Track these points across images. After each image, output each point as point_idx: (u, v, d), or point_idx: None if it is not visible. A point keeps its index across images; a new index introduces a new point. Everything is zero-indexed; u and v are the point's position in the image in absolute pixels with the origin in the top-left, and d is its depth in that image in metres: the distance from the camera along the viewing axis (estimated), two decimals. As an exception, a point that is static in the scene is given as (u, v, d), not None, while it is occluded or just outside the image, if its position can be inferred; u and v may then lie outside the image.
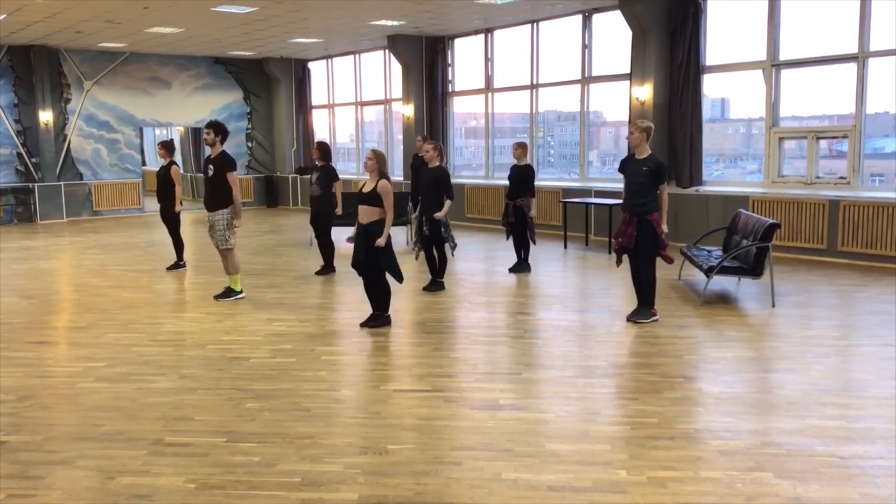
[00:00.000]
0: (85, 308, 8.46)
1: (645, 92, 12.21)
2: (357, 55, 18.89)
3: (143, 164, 20.81)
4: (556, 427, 4.76)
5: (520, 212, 9.76)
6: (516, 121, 16.58)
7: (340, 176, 10.44)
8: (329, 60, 19.95)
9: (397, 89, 17.41)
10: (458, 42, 16.46)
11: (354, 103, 19.47)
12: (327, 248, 10.15)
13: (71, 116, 17.99)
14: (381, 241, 6.94)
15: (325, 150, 10.24)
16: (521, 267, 10.06)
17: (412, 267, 10.19)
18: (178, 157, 20.12)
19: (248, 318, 7.76)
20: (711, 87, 12.54)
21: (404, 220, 12.53)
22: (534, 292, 9.13)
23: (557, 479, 3.99)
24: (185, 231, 11.49)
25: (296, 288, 9.35)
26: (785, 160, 11.56)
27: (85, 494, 3.92)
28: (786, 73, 11.39)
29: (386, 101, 18.47)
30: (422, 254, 8.94)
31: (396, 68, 17.12)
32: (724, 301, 8.31)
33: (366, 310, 7.47)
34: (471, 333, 7.21)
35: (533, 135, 15.09)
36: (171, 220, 10.66)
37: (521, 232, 9.90)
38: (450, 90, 16.65)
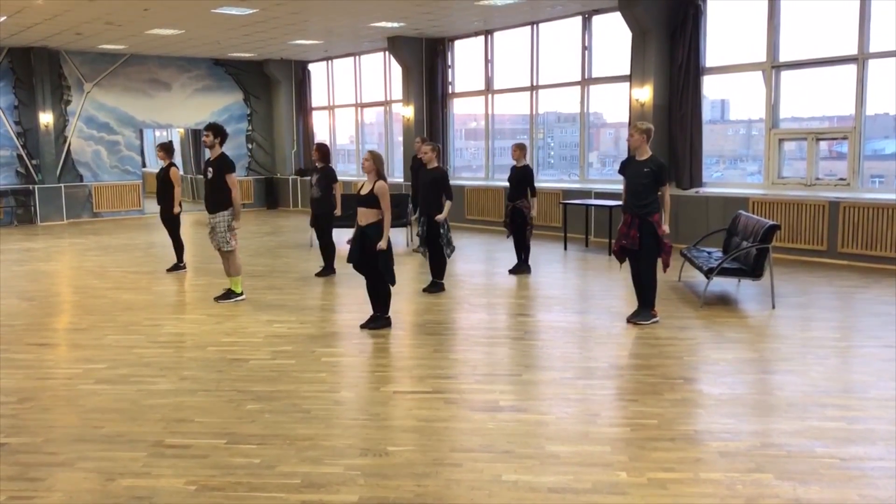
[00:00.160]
0: (85, 310, 8.46)
1: (645, 93, 12.22)
2: (357, 57, 18.90)
3: (144, 165, 20.82)
4: (556, 428, 4.77)
5: (519, 213, 9.77)
6: (516, 122, 16.59)
7: (340, 177, 10.44)
8: (329, 62, 19.96)
9: (397, 91, 17.42)
10: (458, 44, 16.47)
11: (354, 105, 19.48)
12: (328, 250, 10.16)
13: (71, 118, 18.00)
14: (381, 245, 6.94)
15: (324, 151, 10.25)
16: (521, 268, 10.06)
17: (412, 268, 10.20)
18: (178, 159, 20.21)
19: (249, 320, 7.76)
20: (711, 88, 12.55)
21: (404, 221, 12.55)
22: (534, 294, 9.13)
23: (557, 481, 3.99)
24: (186, 233, 11.50)
25: (296, 289, 9.35)
26: (785, 161, 11.56)
27: (85, 496, 3.92)
28: (786, 75, 11.39)
29: (386, 103, 18.48)
30: (428, 253, 8.97)
31: (396, 70, 17.13)
32: (724, 302, 8.31)
33: (366, 311, 7.47)
34: (471, 335, 7.21)
35: (533, 136, 15.10)
36: (171, 222, 10.66)
37: (520, 233, 9.91)
38: (450, 92, 16.66)
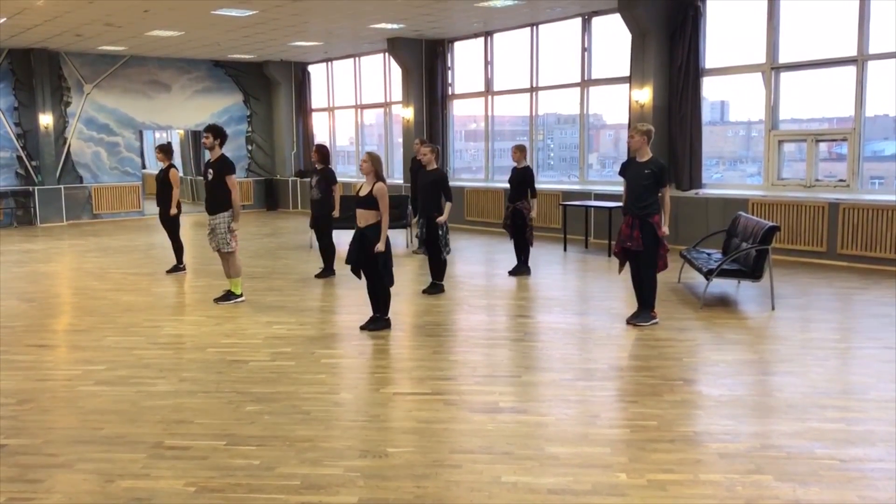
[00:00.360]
0: (85, 311, 8.46)
1: (644, 95, 12.22)
2: (357, 58, 18.91)
3: (143, 167, 20.82)
4: (555, 430, 4.76)
5: (519, 214, 9.78)
6: (516, 124, 16.59)
7: (340, 179, 10.45)
8: (329, 63, 19.97)
9: (397, 92, 17.43)
10: (457, 45, 16.48)
11: (354, 106, 19.49)
12: (327, 251, 10.16)
13: (71, 119, 18.00)
14: (380, 247, 6.94)
15: (324, 153, 10.26)
16: (521, 270, 10.06)
17: (412, 270, 10.20)
18: (178, 161, 20.20)
19: (248, 322, 7.76)
20: (711, 89, 12.56)
21: (404, 223, 12.55)
22: (533, 295, 9.13)
23: (557, 482, 3.99)
24: (185, 234, 11.50)
25: (296, 291, 9.35)
26: (784, 163, 11.57)
27: (85, 498, 3.92)
28: (785, 76, 11.40)
29: (386, 105, 18.49)
30: (427, 254, 8.97)
31: (396, 71, 17.13)
32: (723, 304, 8.31)
33: (366, 313, 7.47)
34: (470, 336, 7.21)
35: (533, 138, 15.10)
36: (171, 224, 10.66)
37: (520, 234, 9.92)
38: (449, 93, 16.67)
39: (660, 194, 7.12)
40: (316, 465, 4.25)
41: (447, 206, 8.78)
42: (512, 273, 10.06)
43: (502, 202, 14.36)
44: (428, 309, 8.23)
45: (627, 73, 12.60)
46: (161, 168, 10.74)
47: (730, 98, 13.56)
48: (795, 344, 6.74)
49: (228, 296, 8.64)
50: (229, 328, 7.52)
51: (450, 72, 16.60)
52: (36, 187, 17.47)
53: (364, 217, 7.05)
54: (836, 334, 7.25)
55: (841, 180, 10.80)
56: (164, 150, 10.72)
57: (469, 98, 16.59)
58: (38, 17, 13.17)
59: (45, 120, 17.43)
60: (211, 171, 8.39)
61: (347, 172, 19.60)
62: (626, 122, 12.64)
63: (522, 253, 10.08)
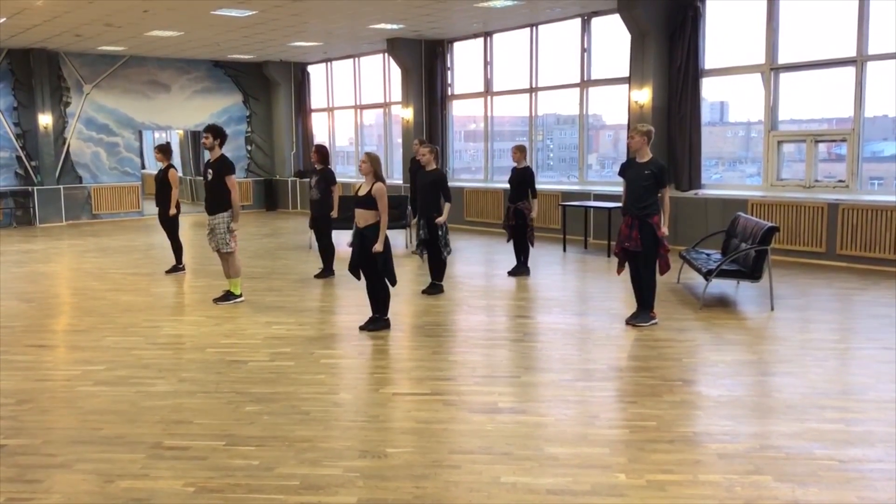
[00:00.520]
0: (84, 311, 8.46)
1: (644, 95, 12.23)
2: (356, 59, 18.91)
3: (143, 167, 20.81)
4: (554, 430, 4.76)
5: (520, 214, 9.78)
6: (515, 124, 16.59)
7: (340, 179, 10.45)
8: (328, 64, 19.97)
9: (396, 93, 17.43)
10: (457, 45, 16.48)
11: (354, 107, 19.49)
12: (327, 252, 10.16)
13: (70, 120, 18.00)
14: (378, 247, 6.95)
15: (323, 153, 10.27)
16: (521, 270, 10.06)
17: (411, 270, 10.20)
18: (177, 161, 20.19)
19: (248, 322, 7.76)
20: (710, 90, 12.56)
21: (403, 223, 12.55)
22: (533, 295, 9.13)
23: (556, 483, 3.99)
24: (185, 235, 11.50)
25: (295, 291, 9.35)
26: (784, 163, 11.57)
27: (84, 498, 3.92)
28: (784, 77, 11.40)
29: (385, 105, 18.49)
30: (426, 255, 8.96)
31: (396, 72, 17.13)
32: (722, 304, 8.31)
33: (365, 313, 7.47)
34: (470, 337, 7.21)
35: (532, 138, 15.11)
36: (170, 224, 10.65)
37: (521, 235, 9.92)
38: (449, 93, 16.67)
39: (659, 195, 7.12)
40: (315, 465, 4.25)
41: (446, 207, 8.79)
42: (511, 273, 10.06)
43: (502, 202, 14.38)
44: (427, 309, 8.23)
45: (627, 74, 12.60)
46: (160, 168, 10.74)
47: (729, 99, 13.59)
48: (794, 344, 6.75)
49: (228, 296, 8.65)
50: (229, 328, 7.52)
51: (449, 72, 16.60)
52: (35, 187, 17.46)
53: (363, 217, 7.05)
54: (835, 335, 7.25)
55: (840, 181, 10.81)
56: (163, 150, 10.72)
57: (468, 98, 16.59)
58: (38, 17, 13.17)
59: (45, 120, 17.43)
60: (211, 171, 8.39)
61: (347, 173, 19.60)
62: (626, 122, 12.64)
63: (522, 253, 10.08)
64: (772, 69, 11.35)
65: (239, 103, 20.47)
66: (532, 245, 10.05)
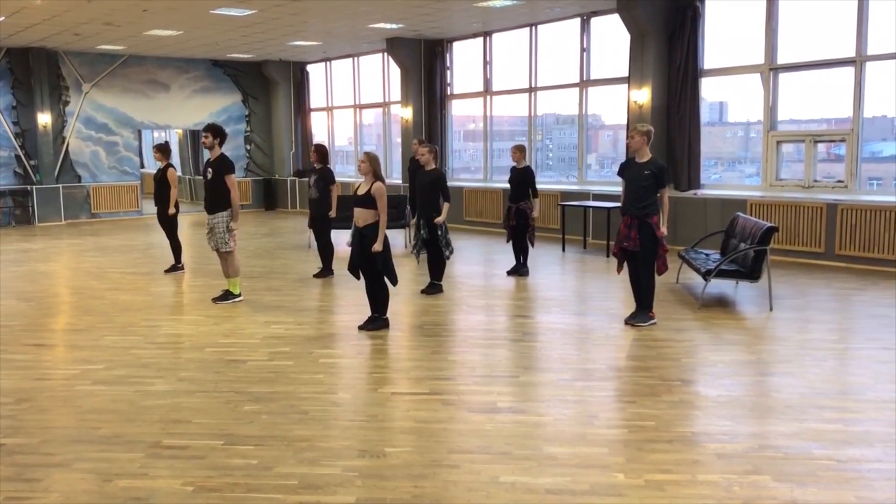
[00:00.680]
0: (83, 311, 8.45)
1: (643, 95, 12.23)
2: (356, 58, 18.91)
3: (142, 166, 20.81)
4: (553, 430, 4.77)
5: (521, 214, 9.77)
6: (515, 124, 16.59)
7: (339, 179, 10.45)
8: (328, 63, 19.97)
9: (396, 92, 17.43)
10: (456, 45, 16.48)
11: (353, 106, 19.49)
12: (326, 251, 10.16)
13: (69, 119, 17.99)
14: (377, 247, 6.95)
15: (322, 152, 10.27)
16: (520, 270, 10.06)
17: (410, 270, 10.19)
18: (176, 160, 20.18)
19: (246, 321, 7.76)
20: (709, 90, 12.57)
21: (402, 223, 12.55)
22: (532, 295, 9.13)
23: (555, 483, 3.99)
24: (183, 234, 11.49)
25: (294, 291, 9.35)
26: (783, 164, 11.58)
27: (82, 497, 3.92)
28: (784, 77, 11.41)
29: (384, 104, 18.49)
30: (423, 255, 8.95)
31: (395, 71, 17.13)
32: (721, 304, 8.31)
33: (364, 313, 7.47)
34: (469, 336, 7.21)
35: (531, 138, 15.11)
36: (169, 223, 10.65)
37: (521, 235, 9.92)
38: (448, 93, 16.66)
39: (659, 195, 7.12)
40: (314, 464, 4.25)
41: (445, 207, 8.78)
42: (510, 273, 10.06)
43: (501, 202, 14.38)
44: (426, 309, 8.23)
45: (626, 74, 12.60)
46: (159, 168, 10.74)
47: (728, 99, 13.59)
48: (793, 344, 6.75)
49: (227, 295, 8.64)
50: (227, 328, 7.51)
51: (448, 72, 16.60)
52: (34, 186, 17.45)
53: (362, 217, 7.05)
54: (834, 335, 7.25)
55: (839, 181, 10.81)
56: (162, 149, 10.71)
57: (468, 98, 16.59)
58: (37, 16, 13.16)
59: (44, 119, 17.42)
60: (210, 170, 8.38)
61: (346, 172, 19.60)
62: (625, 122, 12.65)
63: (521, 253, 10.08)
64: (771, 69, 11.36)
65: (238, 102, 20.46)
66: (532, 245, 10.06)
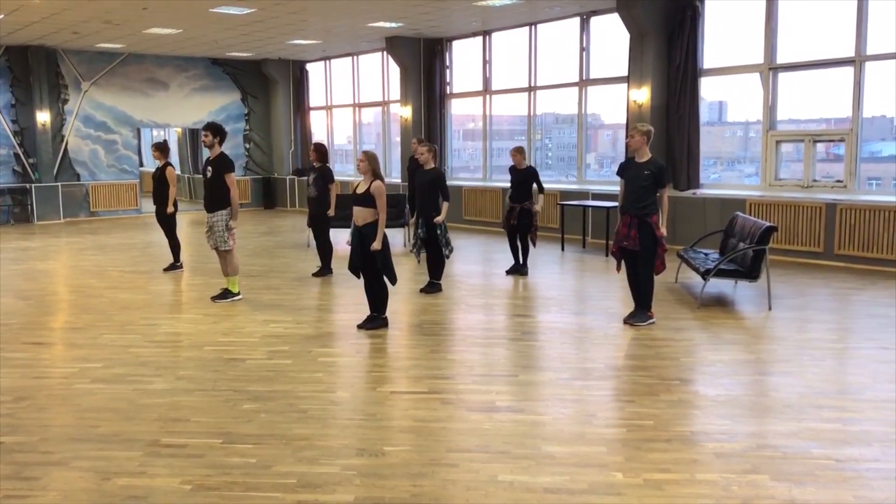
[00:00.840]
0: (82, 309, 8.45)
1: (642, 95, 12.23)
2: (355, 57, 18.90)
3: (141, 165, 20.78)
4: (552, 429, 4.77)
5: (526, 214, 9.74)
6: (514, 123, 16.59)
7: (338, 178, 10.45)
8: (327, 62, 19.96)
9: (395, 91, 17.43)
10: (456, 44, 16.47)
11: (352, 105, 19.48)
12: (325, 250, 10.16)
13: (68, 117, 17.97)
14: (376, 245, 6.94)
15: (321, 151, 10.26)
16: (519, 269, 10.06)
17: (409, 269, 10.19)
18: (175, 159, 20.16)
19: (245, 320, 7.76)
20: (709, 90, 12.57)
21: (402, 222, 12.55)
22: (531, 294, 9.13)
23: (554, 482, 3.99)
24: (182, 232, 11.48)
25: (293, 289, 9.35)
26: (782, 163, 11.58)
27: (81, 495, 3.91)
28: (783, 77, 11.41)
29: (384, 103, 18.48)
30: (423, 255, 8.95)
31: (394, 70, 17.13)
32: (720, 304, 8.31)
33: (363, 311, 7.47)
34: (468, 335, 7.21)
35: (531, 137, 15.11)
36: (168, 222, 10.64)
37: (523, 234, 9.91)
38: (448, 92, 16.66)
39: (658, 195, 7.12)
40: (312, 463, 4.25)
41: (444, 206, 8.78)
42: (509, 272, 10.06)
43: (500, 201, 14.38)
44: (425, 308, 8.23)
45: (626, 73, 12.61)
46: (157, 166, 10.73)
47: (728, 98, 13.59)
48: (792, 344, 6.75)
49: (226, 294, 8.64)
50: (226, 326, 7.51)
51: (448, 71, 16.59)
52: (33, 185, 17.44)
53: (362, 215, 7.04)
54: (832, 335, 7.26)
55: (838, 181, 10.81)
56: (161, 148, 10.70)
57: (467, 97, 16.58)
58: (36, 14, 13.15)
59: (43, 117, 17.41)
60: (210, 168, 8.38)
61: (345, 171, 19.61)
62: (625, 121, 12.65)
63: (521, 253, 10.07)
64: (770, 69, 11.36)
65: (237, 101, 20.45)
66: (534, 245, 10.05)
